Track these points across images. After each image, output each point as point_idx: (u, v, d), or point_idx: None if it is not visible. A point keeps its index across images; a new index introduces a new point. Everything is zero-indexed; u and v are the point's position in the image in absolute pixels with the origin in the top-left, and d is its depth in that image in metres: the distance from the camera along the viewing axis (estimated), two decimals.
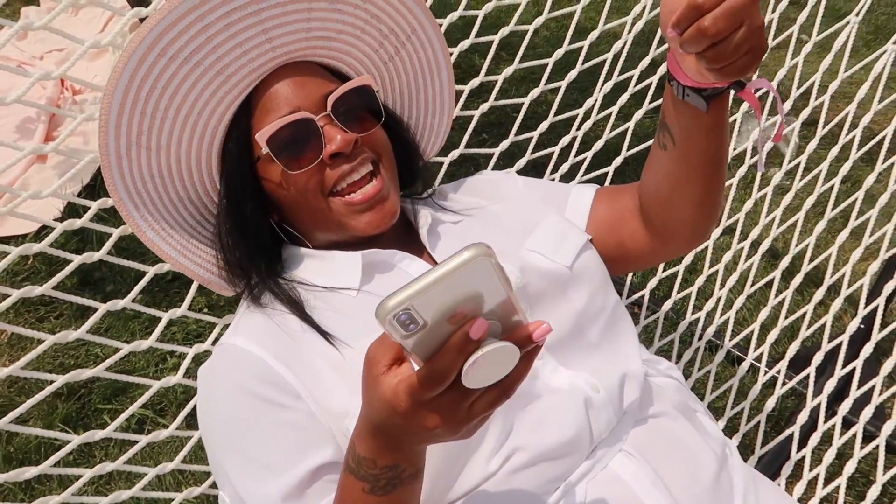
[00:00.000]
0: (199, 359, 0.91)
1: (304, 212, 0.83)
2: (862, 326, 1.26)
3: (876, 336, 1.21)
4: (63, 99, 2.35)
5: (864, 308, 1.24)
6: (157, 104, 0.78)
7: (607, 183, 1.39)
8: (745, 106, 1.44)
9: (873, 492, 1.09)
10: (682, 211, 0.85)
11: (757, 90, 0.70)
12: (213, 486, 1.04)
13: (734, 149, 1.42)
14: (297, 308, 0.80)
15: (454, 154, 1.30)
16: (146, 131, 0.79)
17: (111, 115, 0.76)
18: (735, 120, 1.43)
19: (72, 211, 1.90)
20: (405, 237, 0.90)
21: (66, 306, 1.71)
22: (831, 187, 1.34)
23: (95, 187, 1.99)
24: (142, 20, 1.00)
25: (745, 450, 1.23)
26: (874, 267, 1.26)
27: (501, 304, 0.48)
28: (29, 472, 0.85)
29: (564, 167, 1.38)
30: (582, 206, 0.97)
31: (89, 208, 0.95)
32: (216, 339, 1.07)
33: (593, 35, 1.35)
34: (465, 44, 1.27)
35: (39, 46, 2.61)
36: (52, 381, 0.92)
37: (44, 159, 2.12)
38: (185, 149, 0.82)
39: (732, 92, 0.72)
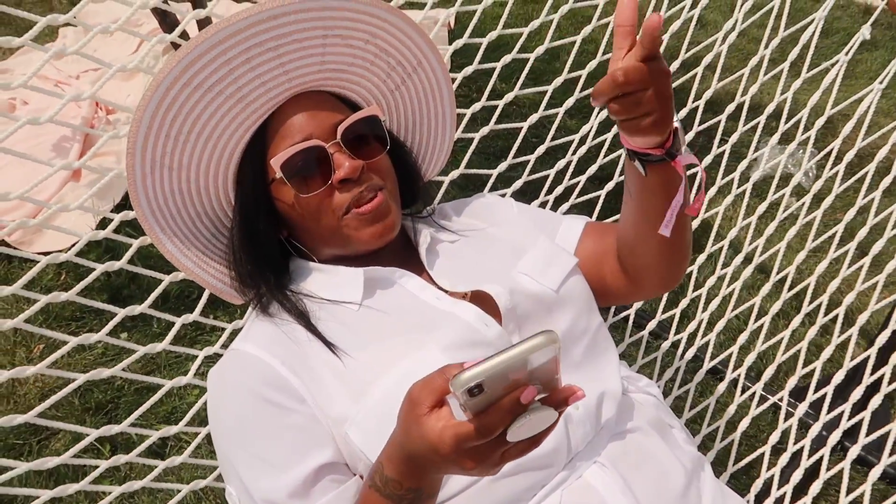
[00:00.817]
0: (209, 361, 0.98)
1: (313, 229, 0.90)
2: (834, 352, 1.31)
3: (847, 363, 1.27)
4: (97, 119, 2.45)
5: (839, 336, 1.30)
6: (181, 128, 0.85)
7: (598, 207, 1.45)
8: (773, 140, 1.48)
9: None
10: (647, 258, 0.93)
11: (688, 165, 0.79)
12: (218, 479, 1.12)
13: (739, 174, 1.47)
14: (303, 319, 0.87)
15: (454, 174, 1.37)
16: (169, 152, 0.86)
17: (138, 138, 0.84)
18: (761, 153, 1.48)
19: (103, 227, 1.93)
20: (405, 254, 0.97)
21: (95, 321, 1.79)
22: (818, 213, 1.40)
23: (127, 206, 2.06)
24: (174, 45, 1.07)
25: (719, 465, 1.29)
26: (851, 297, 1.32)
27: (547, 372, 0.56)
28: (51, 462, 0.93)
29: (559, 189, 1.45)
30: (571, 237, 1.04)
31: (120, 226, 1.03)
32: (226, 343, 1.15)
33: (591, 65, 1.42)
34: (468, 70, 1.34)
35: (75, 66, 2.73)
36: (78, 381, 1.00)
37: (78, 177, 2.21)
38: (205, 169, 0.89)
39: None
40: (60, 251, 1.01)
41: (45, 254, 0.97)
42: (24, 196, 1.00)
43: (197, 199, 0.91)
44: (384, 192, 0.89)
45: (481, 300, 0.89)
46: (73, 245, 1.01)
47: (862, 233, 1.36)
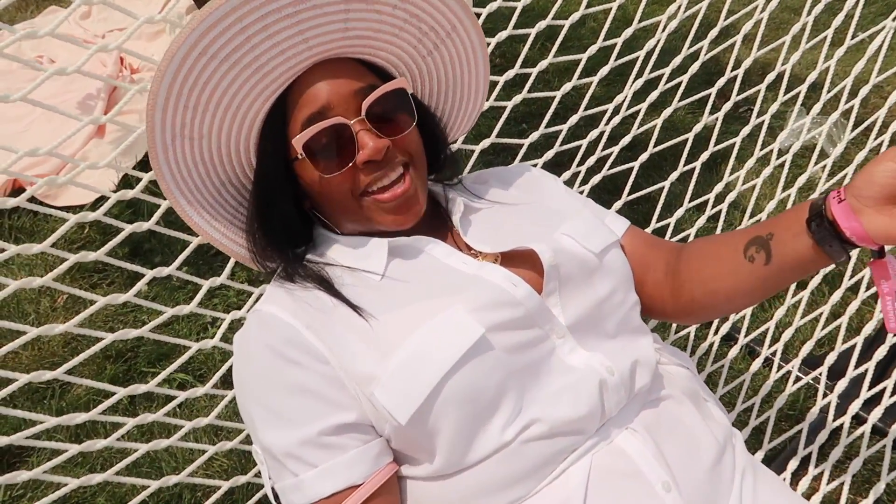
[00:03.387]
0: (235, 326, 0.98)
1: (335, 206, 0.88)
2: (876, 329, 1.28)
3: (890, 339, 1.23)
4: (122, 77, 2.45)
5: (881, 312, 1.26)
6: (199, 98, 0.82)
7: (631, 178, 1.42)
8: (797, 106, 1.44)
9: (877, 489, 1.11)
10: (719, 308, 0.92)
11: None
12: (245, 441, 1.11)
13: (778, 148, 1.43)
14: (326, 284, 0.85)
15: (485, 143, 1.34)
16: (188, 123, 0.83)
17: (157, 111, 0.81)
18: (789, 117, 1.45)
19: (126, 184, 1.99)
20: (433, 220, 0.95)
21: (117, 274, 1.81)
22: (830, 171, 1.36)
23: (148, 162, 2.09)
24: (197, 2, 1.05)
25: (754, 443, 1.26)
26: None
27: None
28: (80, 417, 0.92)
29: (591, 160, 1.42)
30: (618, 226, 1.03)
31: (141, 180, 1.02)
32: (252, 308, 1.14)
33: (627, 32, 1.38)
34: (502, 35, 1.31)
35: (102, 25, 2.73)
36: (102, 339, 1.00)
37: (102, 134, 2.22)
38: (226, 138, 0.86)
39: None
40: (84, 206, 1.00)
41: (70, 209, 0.96)
42: (52, 152, 0.99)
43: (220, 168, 0.89)
44: (410, 172, 0.86)
45: (514, 262, 0.87)
46: (98, 200, 1.00)
47: None
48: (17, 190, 2.07)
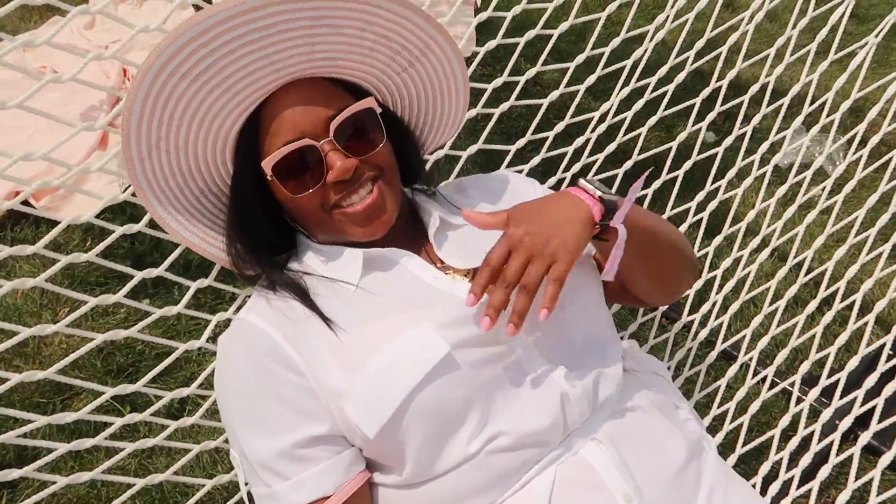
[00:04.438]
0: (224, 326, 1.00)
1: (308, 220, 0.90)
2: (848, 340, 1.31)
3: (863, 350, 1.26)
4: (125, 89, 2.45)
5: (854, 323, 1.29)
6: (173, 114, 0.83)
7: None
8: (796, 123, 1.45)
9: (843, 497, 1.15)
10: (641, 287, 1.04)
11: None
12: (226, 441, 1.14)
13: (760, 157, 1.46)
14: (301, 295, 0.87)
15: (472, 149, 1.37)
16: (164, 136, 0.85)
17: (131, 123, 0.82)
18: (784, 136, 1.48)
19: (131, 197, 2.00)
20: (410, 232, 0.96)
21: (118, 287, 1.81)
22: (824, 188, 1.38)
23: None
24: (195, 7, 1.06)
25: (728, 449, 1.29)
26: (870, 284, 1.30)
27: None
28: (69, 417, 0.95)
29: (576, 167, 1.44)
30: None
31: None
32: (238, 308, 1.16)
33: (615, 42, 1.40)
34: (491, 44, 1.33)
35: (105, 36, 2.72)
36: (102, 348, 1.02)
37: (105, 146, 2.23)
38: (202, 151, 0.88)
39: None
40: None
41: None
42: (47, 156, 1.00)
43: (199, 177, 0.91)
44: (380, 185, 0.88)
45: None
46: (101, 214, 1.02)
47: (883, 219, 1.34)
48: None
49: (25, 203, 0.98)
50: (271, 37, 0.82)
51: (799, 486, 1.20)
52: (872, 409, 1.20)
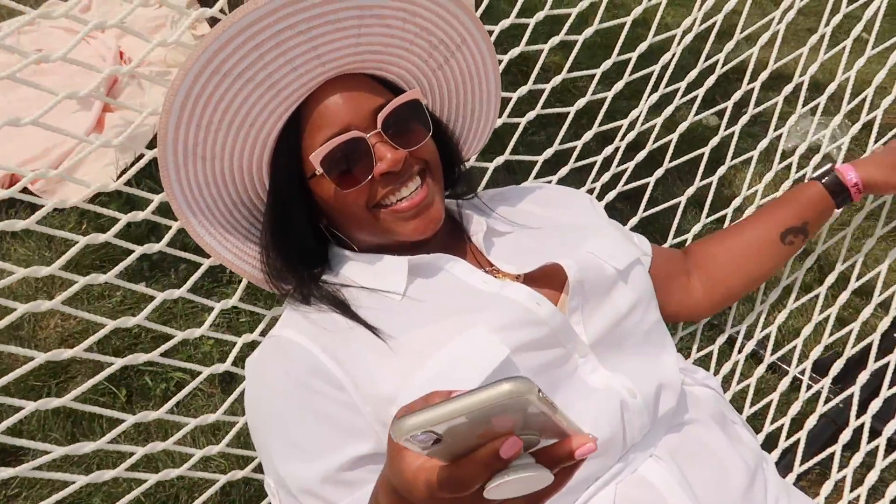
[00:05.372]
0: (227, 313, 0.94)
1: (352, 221, 0.87)
2: None
3: None
4: (122, 74, 2.46)
5: None
6: (212, 117, 0.81)
7: (647, 194, 1.39)
8: (799, 106, 1.42)
9: None
10: (749, 289, 1.13)
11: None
12: (257, 469, 1.08)
13: (782, 149, 1.41)
14: (343, 307, 0.83)
15: (499, 160, 1.32)
16: (201, 142, 0.83)
17: (169, 128, 0.80)
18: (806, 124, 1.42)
19: (125, 182, 2.00)
20: (451, 239, 0.93)
21: (128, 292, 1.82)
22: (883, 201, 1.31)
23: (150, 167, 2.13)
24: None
25: (786, 467, 1.21)
26: None
27: (542, 423, 0.43)
28: (54, 403, 0.89)
29: (606, 176, 1.39)
30: (646, 247, 1.06)
31: (142, 178, 0.99)
32: (264, 331, 1.11)
33: (642, 47, 1.36)
34: (514, 51, 1.30)
35: (101, 19, 2.75)
36: (104, 341, 0.98)
37: (101, 129, 2.22)
38: (238, 158, 0.85)
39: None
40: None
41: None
42: (35, 121, 0.93)
43: (233, 188, 0.88)
44: (428, 181, 0.85)
45: (536, 279, 0.85)
46: (96, 196, 0.97)
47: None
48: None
49: (24, 191, 0.94)
50: (321, 27, 0.80)
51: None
52: None
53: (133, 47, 2.59)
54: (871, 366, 1.22)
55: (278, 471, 0.77)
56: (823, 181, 1.12)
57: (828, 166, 1.15)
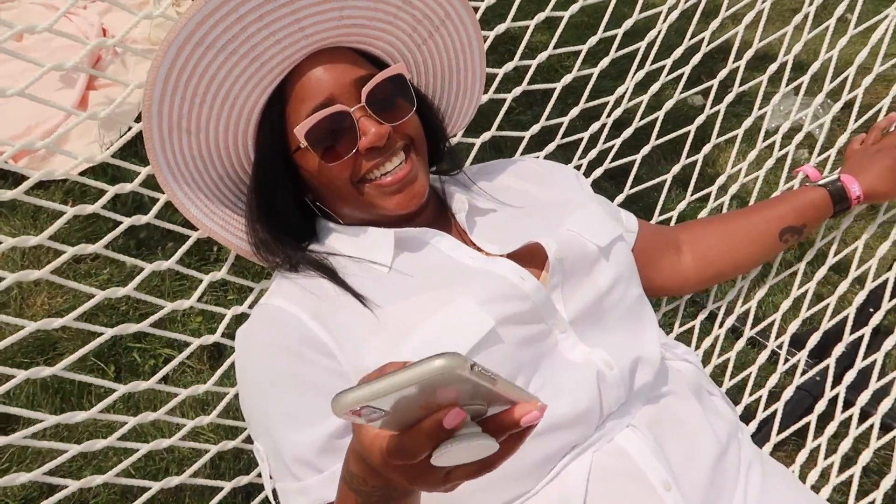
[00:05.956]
0: (213, 289, 0.95)
1: (336, 195, 0.88)
2: (886, 320, 1.26)
3: None
4: (105, 50, 2.43)
5: (890, 301, 1.24)
6: (196, 90, 0.82)
7: (633, 172, 1.41)
8: (783, 86, 1.44)
9: (887, 481, 1.10)
10: (737, 274, 1.23)
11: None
12: (247, 441, 1.10)
13: (765, 128, 1.43)
14: (331, 273, 0.84)
15: (486, 136, 1.33)
16: (186, 115, 0.83)
17: (154, 102, 0.81)
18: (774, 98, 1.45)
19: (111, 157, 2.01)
20: (436, 215, 0.94)
21: (115, 266, 1.82)
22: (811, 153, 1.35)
23: (135, 142, 2.12)
24: None
25: (763, 437, 1.24)
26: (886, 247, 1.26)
27: (487, 393, 0.44)
28: (45, 371, 0.89)
29: (593, 153, 1.40)
30: (632, 223, 1.08)
31: (127, 154, 0.99)
32: (253, 304, 1.12)
33: (628, 23, 1.37)
34: (500, 27, 1.30)
35: None
36: (98, 331, 0.98)
37: (84, 107, 2.20)
38: (223, 131, 0.86)
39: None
40: (65, 181, 0.98)
41: (49, 183, 0.93)
42: (21, 92, 0.93)
43: (218, 162, 0.89)
44: (412, 156, 0.86)
45: (520, 256, 0.86)
46: (82, 173, 0.97)
47: None
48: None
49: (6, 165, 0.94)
50: None
51: (840, 473, 1.15)
52: None
53: (117, 24, 2.55)
54: (847, 339, 1.26)
55: (271, 438, 0.79)
56: (829, 189, 1.16)
57: (835, 175, 1.19)
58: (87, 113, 1.00)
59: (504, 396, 0.45)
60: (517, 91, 1.34)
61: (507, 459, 0.49)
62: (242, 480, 1.09)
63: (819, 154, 1.40)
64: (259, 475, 1.11)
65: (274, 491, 0.82)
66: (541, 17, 1.31)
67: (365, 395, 0.42)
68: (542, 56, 1.34)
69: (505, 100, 1.33)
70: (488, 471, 0.50)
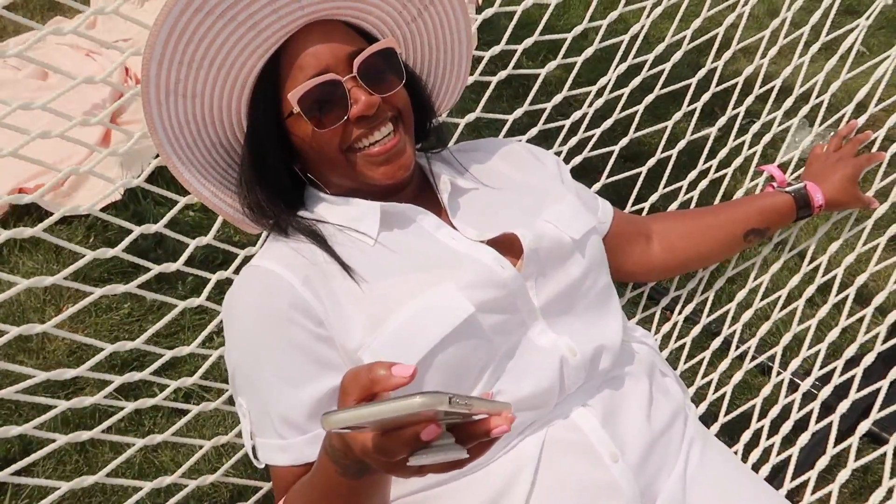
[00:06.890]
0: (223, 287, 0.99)
1: (325, 163, 0.90)
2: (828, 314, 1.35)
3: (843, 321, 1.30)
4: (128, 87, 2.40)
5: (836, 295, 1.33)
6: (194, 55, 0.84)
7: (611, 161, 1.46)
8: (797, 120, 1.48)
9: (822, 462, 1.19)
10: (701, 266, 1.32)
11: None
12: (229, 402, 1.13)
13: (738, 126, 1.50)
14: (319, 239, 0.87)
15: (470, 117, 1.37)
16: (182, 80, 0.85)
17: (151, 66, 0.83)
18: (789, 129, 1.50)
19: (131, 195, 1.98)
20: (421, 193, 0.98)
21: (121, 282, 1.80)
22: None
23: (156, 175, 2.09)
24: None
25: (712, 417, 1.33)
26: (850, 259, 1.35)
27: (464, 413, 0.51)
28: (70, 373, 0.93)
29: (573, 140, 1.45)
30: (607, 211, 1.13)
31: (148, 193, 1.01)
32: (238, 269, 1.14)
33: (612, 15, 1.41)
34: (489, 12, 1.33)
35: (107, 36, 2.66)
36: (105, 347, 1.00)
37: (106, 144, 2.18)
38: (218, 97, 0.88)
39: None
40: (87, 216, 1.00)
41: (72, 218, 0.95)
42: (46, 107, 0.95)
43: (212, 128, 0.90)
44: (400, 129, 0.89)
45: (498, 242, 0.90)
46: (104, 210, 1.00)
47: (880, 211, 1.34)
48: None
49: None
50: None
51: (779, 453, 1.24)
52: (851, 379, 1.25)
53: (139, 64, 2.49)
54: (795, 328, 1.34)
55: (258, 396, 0.82)
56: (795, 196, 1.24)
57: (801, 183, 1.27)
58: (107, 151, 1.02)
59: (477, 412, 0.51)
60: (503, 74, 1.37)
61: (475, 461, 0.56)
62: (222, 440, 1.12)
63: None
64: (239, 435, 1.16)
65: (253, 448, 0.85)
66: (527, 4, 1.34)
67: (349, 418, 0.49)
68: (528, 41, 1.38)
69: (490, 82, 1.36)
70: (457, 468, 0.56)
